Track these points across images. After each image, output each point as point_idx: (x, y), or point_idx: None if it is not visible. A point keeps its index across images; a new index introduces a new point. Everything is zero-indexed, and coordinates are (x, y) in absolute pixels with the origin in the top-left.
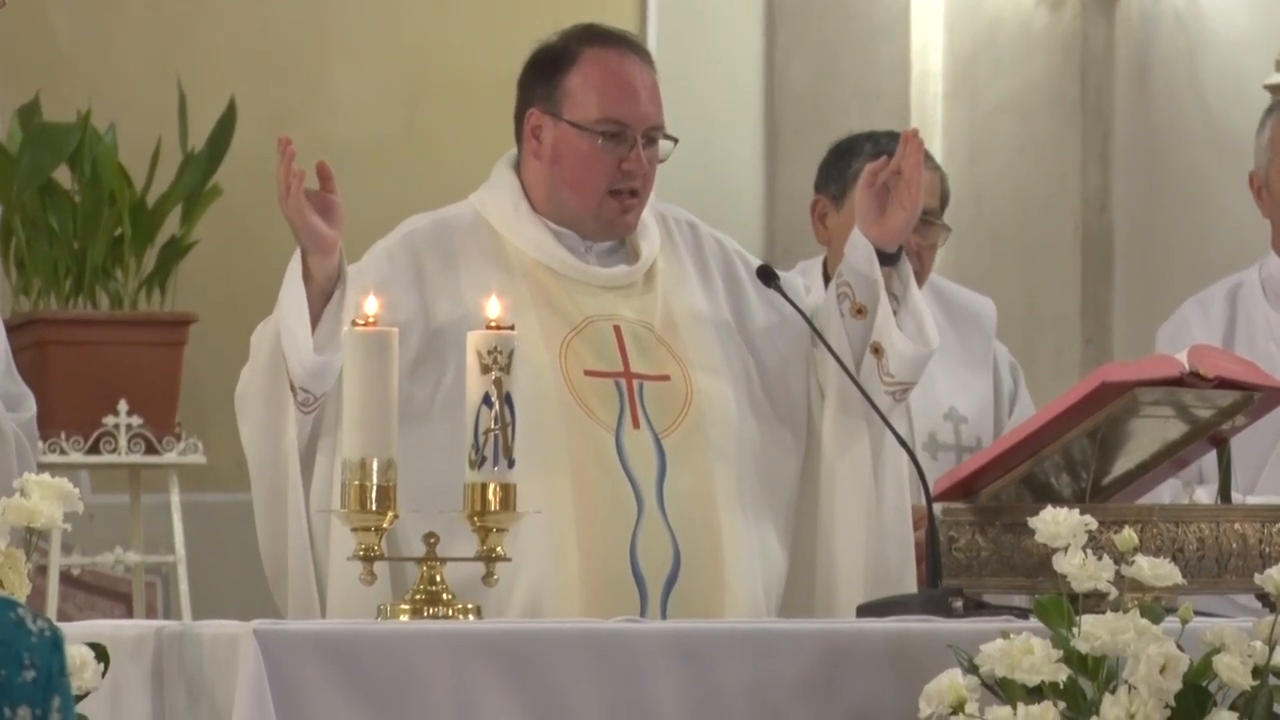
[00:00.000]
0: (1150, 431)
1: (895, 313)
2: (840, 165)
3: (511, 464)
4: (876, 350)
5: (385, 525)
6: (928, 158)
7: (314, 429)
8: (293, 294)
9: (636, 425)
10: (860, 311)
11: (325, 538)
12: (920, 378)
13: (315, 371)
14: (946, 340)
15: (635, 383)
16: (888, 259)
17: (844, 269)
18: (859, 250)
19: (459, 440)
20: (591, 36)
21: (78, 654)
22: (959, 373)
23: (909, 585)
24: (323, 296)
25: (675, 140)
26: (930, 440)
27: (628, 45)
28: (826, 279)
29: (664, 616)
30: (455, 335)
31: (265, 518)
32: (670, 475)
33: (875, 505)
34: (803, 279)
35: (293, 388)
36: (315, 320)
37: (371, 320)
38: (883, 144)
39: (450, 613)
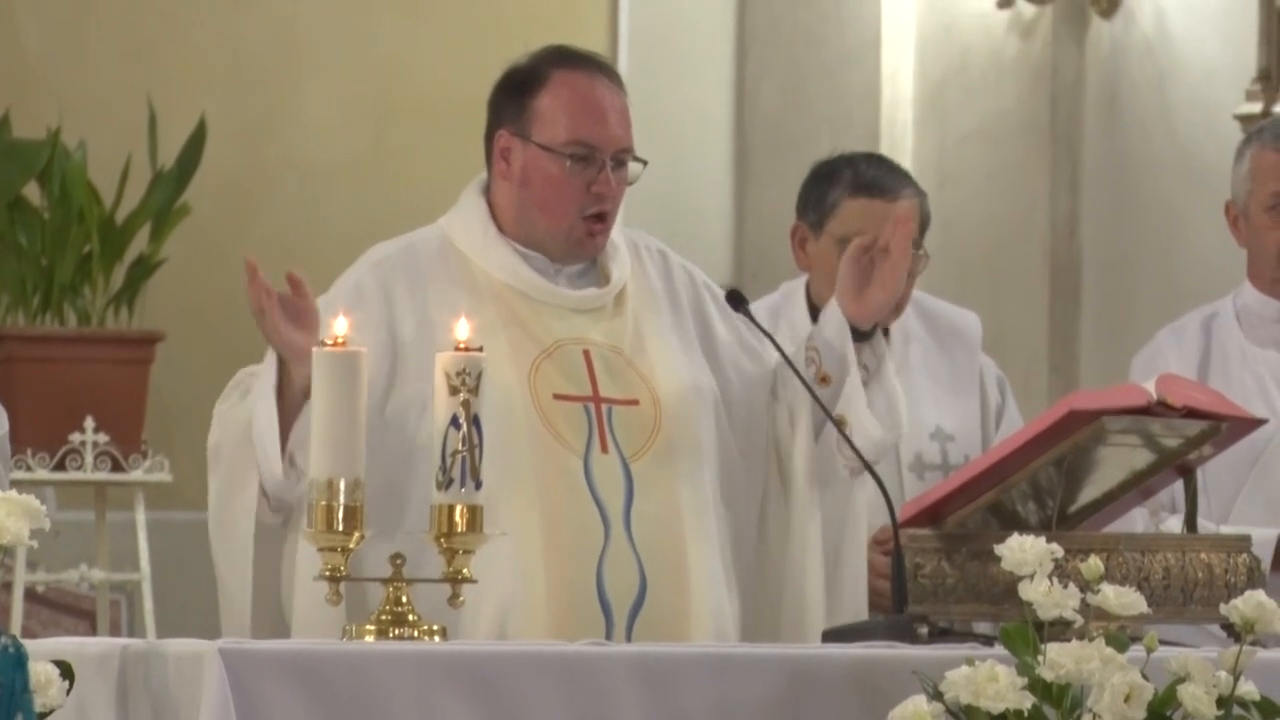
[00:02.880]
0: (1117, 460)
1: (866, 384)
2: (819, 192)
3: (479, 486)
4: (841, 423)
5: (352, 546)
6: (909, 183)
7: (286, 519)
8: (264, 408)
9: (605, 450)
10: (825, 380)
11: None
12: (880, 460)
13: (286, 487)
14: (931, 358)
15: (604, 407)
16: (864, 334)
17: (815, 335)
18: (832, 323)
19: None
20: (561, 58)
21: (43, 671)
22: (945, 391)
23: (861, 613)
24: (303, 395)
25: (644, 162)
26: (916, 461)
27: (597, 67)
28: (809, 303)
29: (629, 642)
30: (423, 360)
31: (225, 570)
32: (638, 500)
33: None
34: (784, 299)
35: (263, 490)
36: (287, 430)
37: (340, 341)
38: (862, 171)
39: (416, 634)
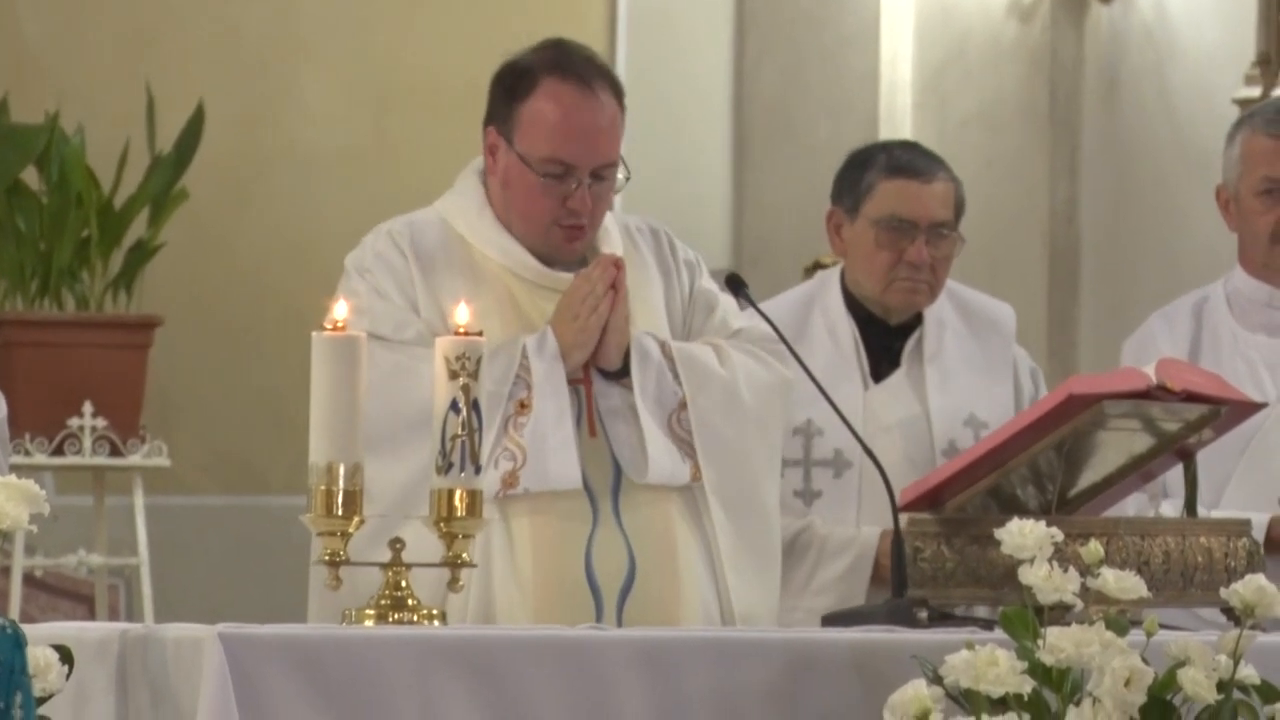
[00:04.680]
0: (1117, 444)
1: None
2: (853, 177)
3: (478, 470)
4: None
5: (351, 530)
6: (944, 167)
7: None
8: (558, 408)
9: (593, 434)
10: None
11: None
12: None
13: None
14: (965, 345)
15: (595, 389)
16: (625, 372)
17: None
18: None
19: None
20: (555, 64)
21: (42, 655)
22: (979, 378)
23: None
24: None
25: (628, 176)
26: (950, 447)
27: (590, 76)
28: (845, 291)
29: (619, 624)
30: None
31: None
32: (626, 483)
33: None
34: (820, 286)
35: (512, 476)
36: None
37: (340, 325)
38: (897, 155)
39: (415, 618)
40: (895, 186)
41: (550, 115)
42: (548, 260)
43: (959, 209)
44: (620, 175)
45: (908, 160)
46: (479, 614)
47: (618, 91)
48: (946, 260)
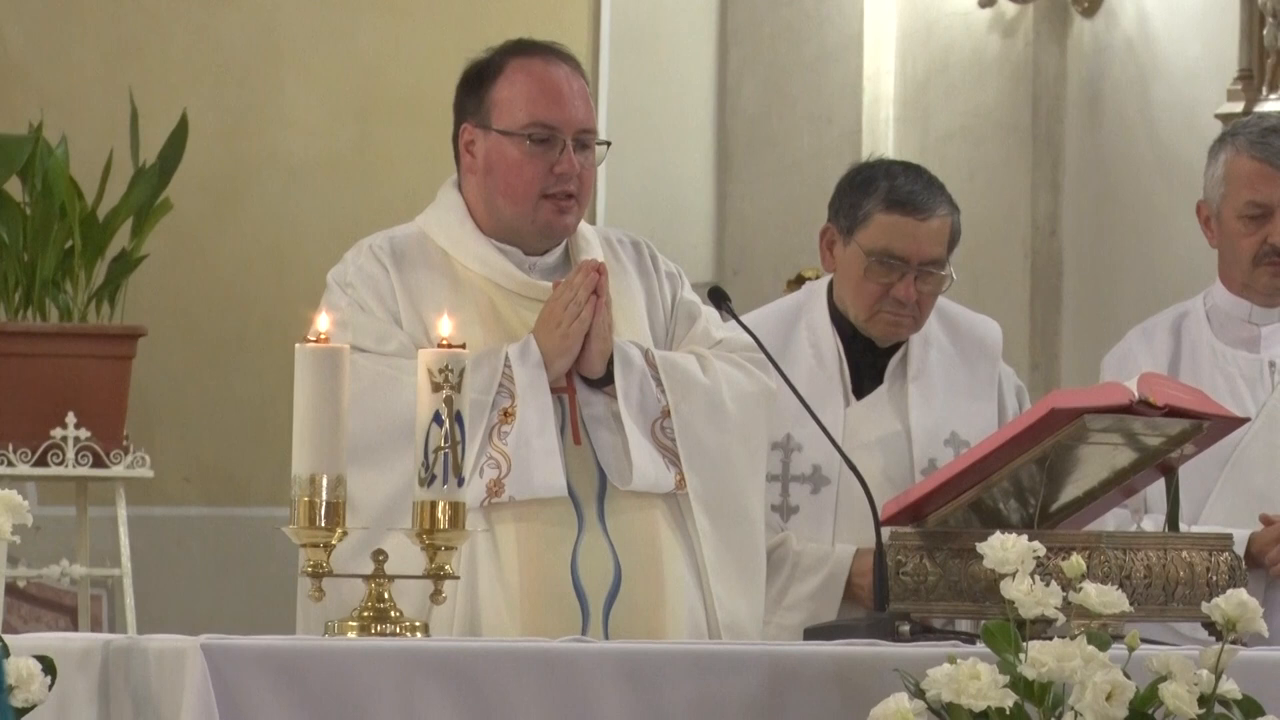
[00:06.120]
0: (1099, 459)
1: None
2: (853, 199)
3: (461, 482)
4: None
5: (334, 542)
6: (944, 200)
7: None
8: (541, 415)
9: (578, 442)
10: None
11: None
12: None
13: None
14: (950, 364)
15: (578, 397)
16: (608, 379)
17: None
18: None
19: None
20: (516, 48)
21: (25, 666)
22: (962, 397)
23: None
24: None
25: (608, 144)
26: (930, 465)
27: (553, 52)
28: (831, 306)
29: (605, 631)
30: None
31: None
32: (611, 490)
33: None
34: (808, 298)
35: (496, 484)
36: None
37: (323, 337)
38: (899, 185)
39: (397, 630)
40: (891, 221)
41: (523, 84)
42: (538, 250)
43: (954, 241)
44: (601, 148)
45: (908, 193)
46: (465, 621)
47: (582, 73)
48: (932, 295)
